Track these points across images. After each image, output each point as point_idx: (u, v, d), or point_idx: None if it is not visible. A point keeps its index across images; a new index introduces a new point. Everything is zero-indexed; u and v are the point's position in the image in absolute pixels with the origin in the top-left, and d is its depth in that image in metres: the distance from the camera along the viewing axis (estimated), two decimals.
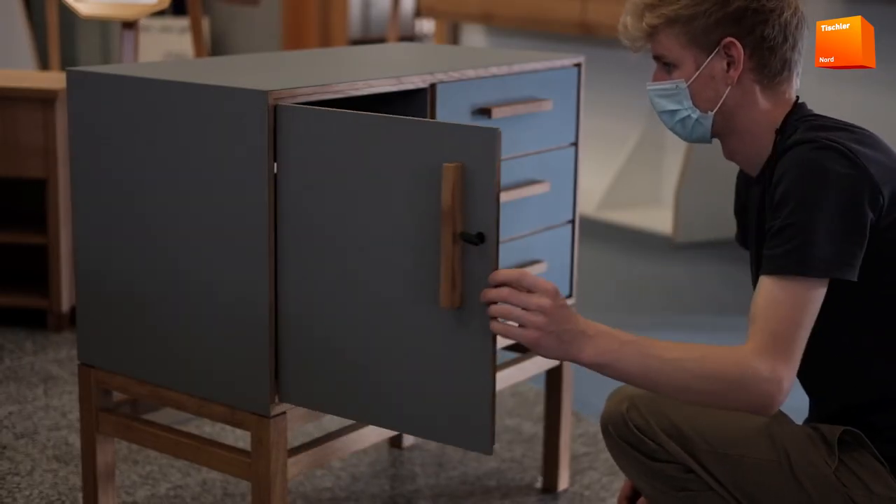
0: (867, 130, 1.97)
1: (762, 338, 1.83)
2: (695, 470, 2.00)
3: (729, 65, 1.98)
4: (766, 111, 2.00)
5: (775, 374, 1.82)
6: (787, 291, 1.84)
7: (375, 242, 1.99)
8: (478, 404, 1.92)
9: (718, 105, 1.99)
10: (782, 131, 1.98)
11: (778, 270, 1.85)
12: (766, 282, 1.86)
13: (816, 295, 1.85)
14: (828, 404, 2.05)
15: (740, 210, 2.17)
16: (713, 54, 1.98)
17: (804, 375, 2.09)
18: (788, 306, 1.84)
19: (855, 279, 1.86)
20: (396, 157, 1.95)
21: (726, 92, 1.99)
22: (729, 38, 1.96)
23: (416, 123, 1.93)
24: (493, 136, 1.83)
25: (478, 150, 1.85)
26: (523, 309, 1.82)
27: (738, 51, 1.96)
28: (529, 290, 1.83)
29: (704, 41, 1.98)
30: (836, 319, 1.95)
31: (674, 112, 2.03)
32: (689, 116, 2.02)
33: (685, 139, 2.06)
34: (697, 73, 1.99)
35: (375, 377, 2.03)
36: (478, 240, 1.85)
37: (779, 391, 1.82)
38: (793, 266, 1.84)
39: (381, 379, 2.02)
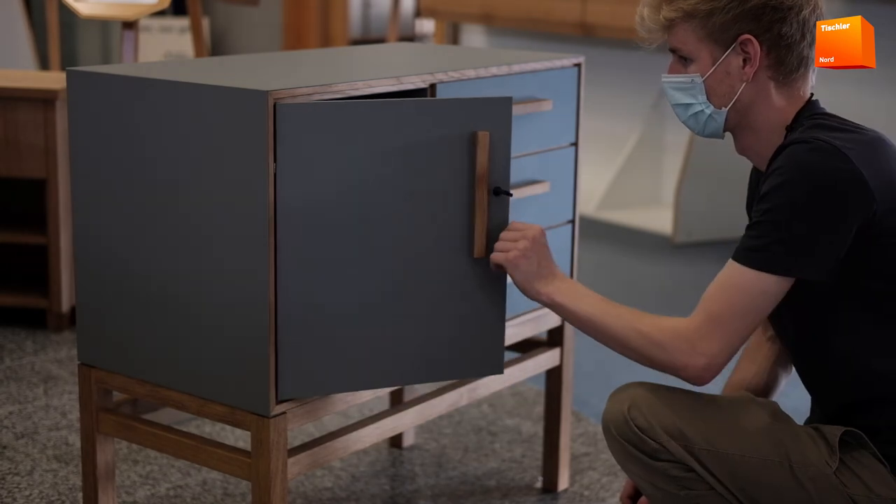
0: (876, 132, 1.96)
1: (703, 316, 1.93)
2: (696, 469, 2.00)
3: (745, 61, 1.97)
4: (779, 108, 2.00)
5: (698, 349, 1.91)
6: (746, 281, 1.90)
7: (400, 220, 2.12)
8: (493, 333, 2.23)
9: (733, 101, 1.99)
10: (792, 128, 1.98)
11: (744, 261, 1.90)
12: (730, 266, 1.92)
13: (774, 290, 1.90)
14: (829, 404, 2.06)
15: (751, 205, 2.17)
16: (729, 50, 1.97)
17: (805, 374, 2.10)
18: (742, 294, 1.90)
19: (823, 280, 1.88)
20: (420, 133, 2.11)
21: (741, 88, 1.98)
22: (746, 35, 1.96)
23: (437, 102, 2.13)
24: (506, 104, 2.15)
25: (494, 117, 2.14)
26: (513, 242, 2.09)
27: (755, 48, 1.96)
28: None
29: (721, 37, 1.97)
30: (836, 319, 1.95)
31: (688, 106, 2.03)
32: (702, 111, 2.02)
33: (698, 133, 2.06)
34: (713, 69, 1.98)
35: (391, 343, 2.16)
36: (508, 194, 2.16)
37: (701, 367, 1.92)
38: (758, 260, 1.88)
39: (399, 342, 2.17)
